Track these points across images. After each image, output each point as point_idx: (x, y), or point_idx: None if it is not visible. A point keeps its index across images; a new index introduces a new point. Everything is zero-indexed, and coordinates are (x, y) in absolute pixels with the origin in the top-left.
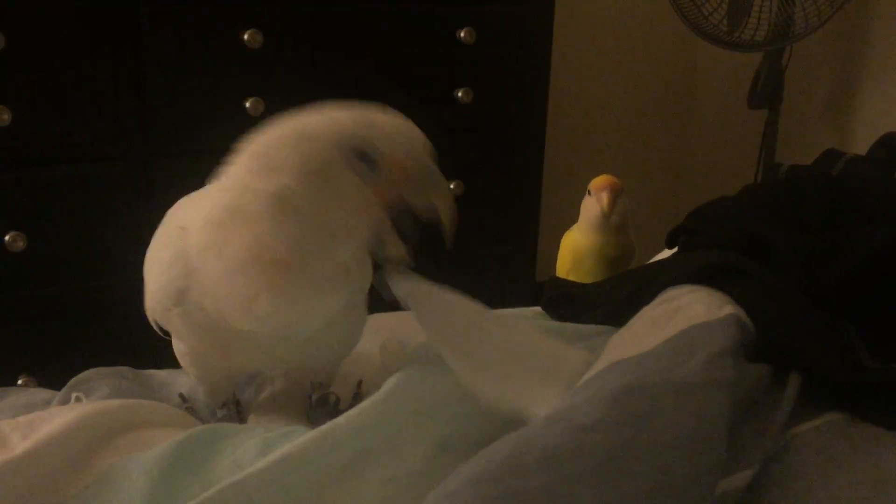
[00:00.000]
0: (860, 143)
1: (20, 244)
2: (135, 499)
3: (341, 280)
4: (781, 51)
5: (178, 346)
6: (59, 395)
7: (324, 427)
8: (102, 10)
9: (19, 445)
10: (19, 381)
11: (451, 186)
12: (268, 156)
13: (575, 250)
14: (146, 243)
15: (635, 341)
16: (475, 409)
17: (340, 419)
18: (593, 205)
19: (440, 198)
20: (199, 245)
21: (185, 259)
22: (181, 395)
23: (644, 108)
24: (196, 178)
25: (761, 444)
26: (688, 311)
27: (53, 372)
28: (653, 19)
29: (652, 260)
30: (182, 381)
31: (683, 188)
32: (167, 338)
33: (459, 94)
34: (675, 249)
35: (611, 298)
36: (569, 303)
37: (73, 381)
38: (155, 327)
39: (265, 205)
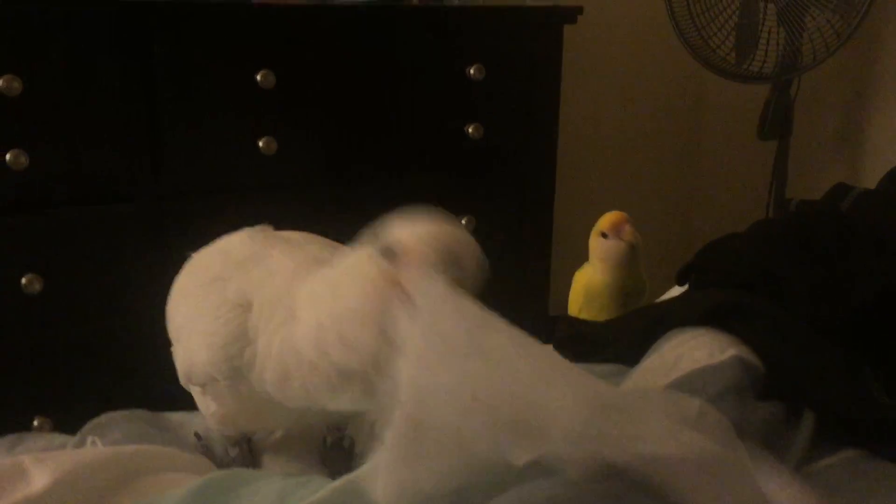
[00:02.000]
0: (870, 175)
1: (37, 286)
2: None
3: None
4: (790, 82)
5: (209, 405)
6: (74, 439)
7: (341, 482)
8: (116, 54)
9: (39, 482)
10: (35, 423)
11: (463, 222)
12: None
13: (589, 287)
14: (159, 284)
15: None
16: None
17: (358, 474)
18: (613, 244)
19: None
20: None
21: (245, 338)
22: (196, 434)
23: (653, 141)
24: (206, 216)
25: None
26: (689, 357)
27: (68, 413)
28: (661, 53)
29: (663, 296)
30: (198, 420)
31: (694, 222)
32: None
33: (470, 130)
34: (686, 286)
35: (621, 338)
36: (580, 342)
37: (88, 425)
38: (187, 387)
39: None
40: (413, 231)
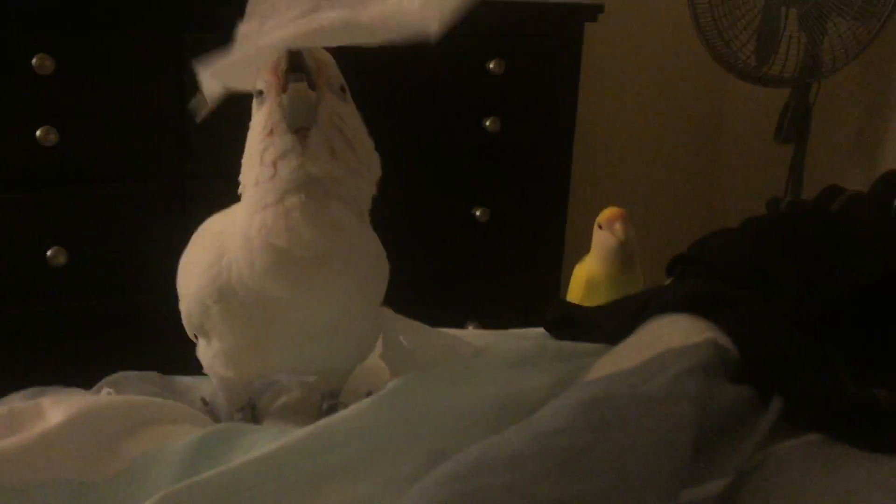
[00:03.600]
0: None
1: (61, 259)
2: (161, 488)
3: (338, 257)
4: (809, 87)
5: (213, 347)
6: (91, 390)
7: (321, 423)
8: (146, 37)
9: (54, 418)
10: (30, 389)
11: (478, 213)
12: None
13: (589, 280)
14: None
15: (613, 365)
16: (470, 425)
17: (338, 417)
18: (606, 237)
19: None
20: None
21: (224, 256)
22: (203, 399)
23: (671, 140)
24: (230, 197)
25: (735, 457)
26: (667, 338)
27: (90, 382)
28: (681, 54)
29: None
30: (205, 386)
31: (709, 221)
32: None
33: (487, 124)
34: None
35: (608, 321)
36: (570, 324)
37: (103, 380)
38: (190, 333)
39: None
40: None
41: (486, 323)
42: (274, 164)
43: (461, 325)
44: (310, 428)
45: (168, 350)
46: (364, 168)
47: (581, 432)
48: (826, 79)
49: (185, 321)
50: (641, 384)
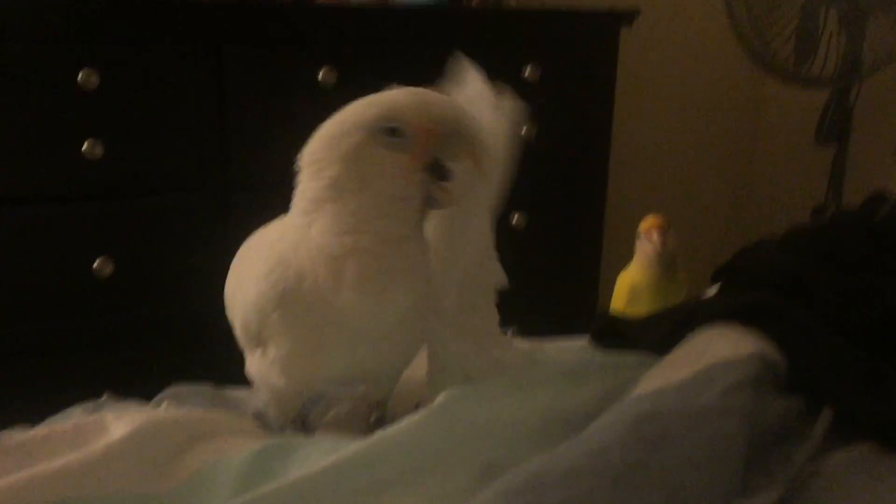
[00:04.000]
0: None
1: (108, 270)
2: (221, 501)
3: (411, 270)
4: (849, 87)
5: (268, 355)
6: (150, 404)
7: (374, 438)
8: (188, 52)
9: (117, 432)
10: (90, 403)
11: (515, 220)
12: (314, 160)
13: (632, 287)
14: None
15: (661, 378)
16: (521, 438)
17: (390, 431)
18: (645, 244)
19: (467, 148)
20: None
21: (284, 262)
22: (254, 413)
23: (709, 144)
24: (270, 209)
25: (786, 469)
26: (714, 350)
27: (136, 391)
28: (719, 54)
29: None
30: (258, 397)
31: (748, 226)
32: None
33: (524, 130)
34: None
35: (653, 332)
36: (614, 335)
37: (160, 394)
38: (246, 344)
39: (323, 197)
40: (407, 102)
41: (523, 330)
42: (394, 204)
43: None
44: (364, 442)
45: (213, 359)
46: None
47: (633, 448)
48: (867, 79)
49: (240, 332)
50: (691, 398)
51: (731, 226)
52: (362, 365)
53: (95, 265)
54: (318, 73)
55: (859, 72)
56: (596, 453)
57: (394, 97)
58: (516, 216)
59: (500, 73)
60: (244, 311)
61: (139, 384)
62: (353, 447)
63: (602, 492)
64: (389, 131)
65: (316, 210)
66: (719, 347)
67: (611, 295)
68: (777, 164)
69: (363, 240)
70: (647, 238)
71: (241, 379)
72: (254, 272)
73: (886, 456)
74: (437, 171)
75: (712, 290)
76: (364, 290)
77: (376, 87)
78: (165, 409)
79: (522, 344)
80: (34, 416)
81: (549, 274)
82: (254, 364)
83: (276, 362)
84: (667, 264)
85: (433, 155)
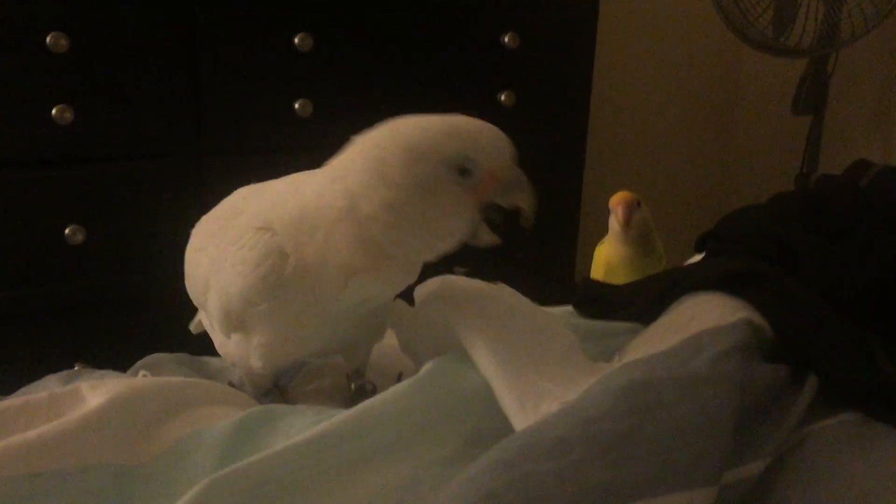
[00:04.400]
0: None
1: (79, 237)
2: (200, 473)
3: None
4: (827, 57)
5: (251, 341)
6: (127, 373)
7: (360, 407)
8: (160, 15)
9: (94, 401)
10: (75, 367)
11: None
12: (382, 171)
13: (608, 261)
14: None
15: (649, 346)
16: None
17: (375, 401)
18: (612, 220)
19: (524, 196)
20: (297, 235)
21: (277, 254)
22: (230, 383)
23: (687, 112)
24: (244, 174)
25: (774, 438)
26: (701, 317)
27: (107, 359)
28: (697, 25)
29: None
30: (234, 369)
31: (726, 195)
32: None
33: (502, 98)
34: (704, 254)
35: (638, 299)
36: (599, 303)
37: (138, 363)
38: (224, 330)
39: (378, 209)
40: (487, 145)
41: None
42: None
43: None
44: (349, 411)
45: (187, 328)
46: None
47: (624, 416)
48: (844, 49)
49: (218, 317)
50: (680, 366)
51: (710, 195)
52: (339, 341)
53: (67, 231)
54: (293, 38)
55: (837, 42)
56: (587, 422)
57: (475, 134)
58: None
59: (478, 40)
60: (226, 299)
61: (112, 353)
62: (339, 416)
63: (593, 461)
64: (462, 169)
65: (359, 200)
66: (706, 314)
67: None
68: (755, 133)
69: (394, 257)
70: (613, 214)
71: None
72: (239, 258)
73: (871, 423)
74: (490, 212)
75: (696, 259)
76: (364, 292)
77: (351, 55)
78: (143, 378)
79: None
80: (5, 384)
81: (526, 244)
82: (227, 345)
83: (258, 348)
84: (637, 240)
85: (491, 196)
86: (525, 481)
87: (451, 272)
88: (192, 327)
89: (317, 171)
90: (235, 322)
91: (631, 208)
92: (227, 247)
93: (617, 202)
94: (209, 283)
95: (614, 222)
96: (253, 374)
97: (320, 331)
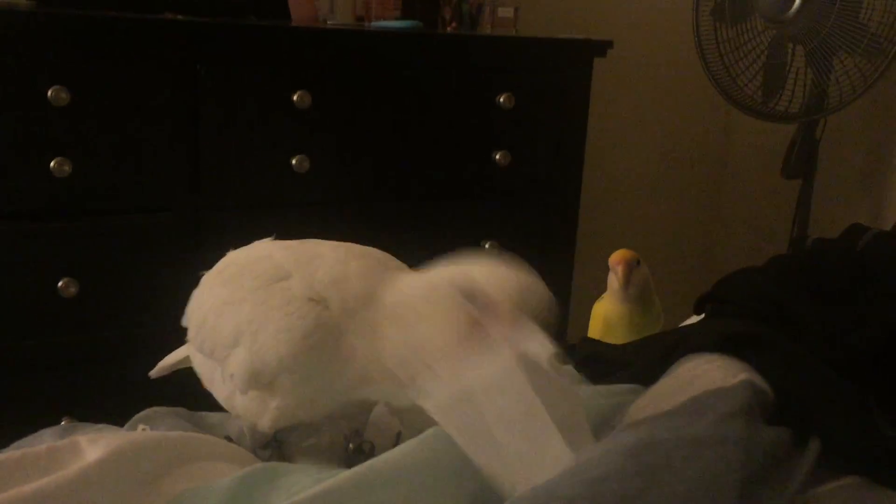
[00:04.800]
0: (893, 216)
1: (72, 290)
2: None
3: None
4: (816, 122)
5: (268, 403)
6: (125, 427)
7: (363, 467)
8: (161, 70)
9: (93, 455)
10: (62, 422)
11: (487, 247)
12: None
13: (606, 318)
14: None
15: (652, 407)
16: None
17: (379, 461)
18: (612, 277)
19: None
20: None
21: (323, 330)
22: (227, 437)
23: (678, 175)
24: (242, 230)
25: (778, 502)
26: (703, 379)
27: (95, 414)
28: (688, 89)
29: (681, 325)
30: (233, 423)
31: (716, 257)
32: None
33: (497, 157)
34: (703, 316)
35: (638, 360)
36: (600, 363)
37: (136, 416)
38: (248, 388)
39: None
40: (491, 276)
41: None
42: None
43: None
44: (353, 470)
45: (182, 384)
46: None
47: (631, 478)
48: (832, 114)
49: (243, 376)
50: (685, 426)
51: (700, 254)
52: (346, 410)
53: (60, 284)
54: (292, 95)
55: (825, 107)
56: (592, 482)
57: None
58: (488, 244)
59: (475, 99)
60: (260, 361)
61: (99, 408)
62: (343, 475)
63: None
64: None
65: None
66: (708, 375)
67: (580, 325)
68: (745, 196)
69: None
70: (613, 272)
71: (208, 399)
72: (285, 325)
73: (874, 487)
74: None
75: (693, 320)
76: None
77: (349, 112)
78: (142, 432)
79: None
80: None
81: None
82: (237, 398)
83: (275, 410)
84: (636, 298)
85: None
86: None
87: None
88: (154, 373)
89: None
90: (265, 384)
91: (631, 267)
92: (273, 312)
93: (617, 260)
94: (239, 341)
95: (613, 280)
96: (257, 429)
97: (335, 399)
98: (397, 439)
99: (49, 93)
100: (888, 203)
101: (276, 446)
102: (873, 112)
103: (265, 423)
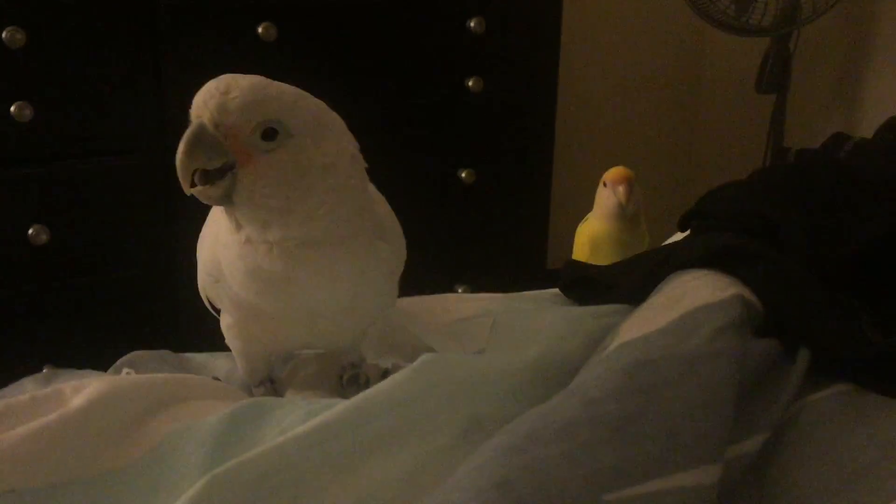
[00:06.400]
0: (868, 127)
1: (43, 237)
2: (191, 469)
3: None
4: (789, 35)
5: (225, 320)
6: (109, 371)
7: (359, 397)
8: (120, 6)
9: (74, 402)
10: (44, 371)
11: (463, 175)
12: None
13: (593, 238)
14: (162, 235)
15: (644, 325)
16: (507, 391)
17: (374, 391)
18: (609, 195)
19: None
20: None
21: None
22: (215, 378)
23: (652, 94)
24: None
25: (771, 412)
26: (693, 294)
27: (76, 362)
28: (660, 5)
29: (666, 243)
30: (219, 363)
31: (693, 174)
32: (216, 314)
33: (470, 84)
34: (687, 232)
35: (626, 280)
36: (585, 285)
37: (120, 361)
38: (207, 304)
39: None
40: None
41: (473, 286)
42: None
43: (450, 289)
44: (347, 402)
45: (158, 326)
46: (310, 196)
47: (629, 397)
48: (805, 26)
49: (200, 290)
50: (678, 343)
51: (677, 171)
52: (321, 334)
53: (31, 232)
54: (257, 28)
55: (798, 20)
56: (592, 404)
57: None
58: (465, 172)
59: (445, 24)
60: (200, 274)
61: (80, 354)
62: (338, 407)
63: (601, 443)
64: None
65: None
66: (697, 291)
67: (558, 248)
68: (719, 111)
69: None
70: (613, 190)
71: (188, 344)
72: (204, 234)
73: (864, 393)
74: None
75: (679, 237)
76: (258, 291)
77: (317, 43)
78: (126, 376)
79: (496, 295)
80: None
81: (498, 228)
82: (222, 323)
83: (230, 329)
84: (630, 217)
85: None
86: (535, 466)
87: (452, 290)
88: None
89: None
90: (209, 296)
91: (632, 186)
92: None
93: (619, 178)
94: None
95: (608, 198)
96: (246, 358)
97: (292, 321)
98: (384, 375)
99: (4, 34)
100: (862, 114)
101: (269, 383)
102: (846, 23)
103: (233, 341)
